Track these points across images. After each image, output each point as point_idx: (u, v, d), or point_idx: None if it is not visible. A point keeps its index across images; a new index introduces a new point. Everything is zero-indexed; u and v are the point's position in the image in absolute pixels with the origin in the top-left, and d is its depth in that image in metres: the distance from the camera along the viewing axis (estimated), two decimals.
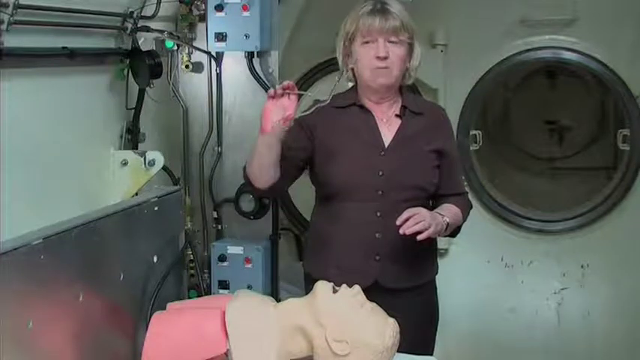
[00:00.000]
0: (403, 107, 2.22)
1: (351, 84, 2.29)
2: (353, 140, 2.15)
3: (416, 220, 1.99)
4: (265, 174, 2.13)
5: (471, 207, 2.35)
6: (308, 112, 2.06)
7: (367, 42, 2.13)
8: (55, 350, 1.64)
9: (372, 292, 1.97)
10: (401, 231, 1.98)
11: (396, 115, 2.22)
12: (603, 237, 3.85)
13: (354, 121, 2.20)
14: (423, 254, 2.22)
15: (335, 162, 2.16)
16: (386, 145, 2.18)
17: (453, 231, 2.23)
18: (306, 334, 1.73)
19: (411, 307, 2.18)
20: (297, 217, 3.88)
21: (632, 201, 3.81)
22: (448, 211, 2.16)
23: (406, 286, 2.20)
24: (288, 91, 1.97)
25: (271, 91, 1.98)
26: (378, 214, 2.15)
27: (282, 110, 1.98)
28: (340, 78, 2.15)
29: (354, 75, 2.23)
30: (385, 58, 2.11)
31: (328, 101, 2.04)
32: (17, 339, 1.49)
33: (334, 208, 2.20)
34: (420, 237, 1.99)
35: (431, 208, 2.19)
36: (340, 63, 2.25)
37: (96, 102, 2.40)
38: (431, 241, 2.22)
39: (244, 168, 2.23)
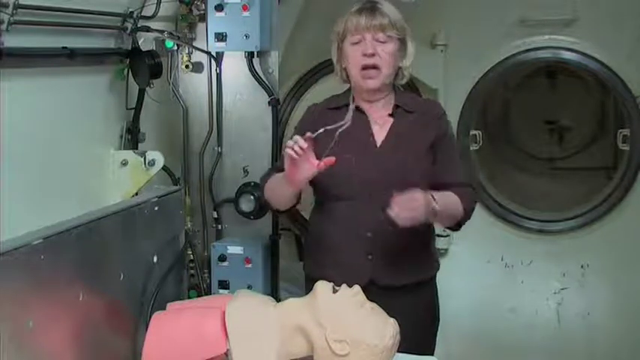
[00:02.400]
0: (396, 106, 2.23)
1: (346, 85, 2.29)
2: (346, 140, 2.13)
3: (408, 211, 1.95)
4: (289, 205, 2.22)
5: (476, 201, 2.28)
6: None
7: (356, 42, 2.13)
8: (55, 350, 1.65)
9: (369, 291, 1.97)
10: (390, 213, 1.95)
11: (389, 115, 2.22)
12: (603, 237, 3.85)
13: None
14: (417, 251, 2.22)
15: None
16: (378, 144, 2.18)
17: (455, 224, 2.21)
18: (306, 334, 1.73)
19: (411, 306, 2.18)
20: (297, 217, 3.88)
21: (632, 201, 3.80)
22: (442, 198, 2.07)
23: (402, 284, 2.19)
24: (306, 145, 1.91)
25: (292, 153, 1.91)
26: (371, 213, 2.15)
27: (306, 160, 1.94)
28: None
29: (347, 76, 2.23)
30: (372, 55, 2.11)
31: (348, 123, 2.00)
32: (17, 339, 1.49)
33: (329, 208, 2.21)
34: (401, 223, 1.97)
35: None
36: (335, 64, 2.25)
37: (96, 102, 2.40)
38: (426, 238, 2.25)
39: (263, 188, 2.27)
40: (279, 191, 2.15)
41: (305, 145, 1.91)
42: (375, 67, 2.13)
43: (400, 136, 2.19)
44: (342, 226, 2.18)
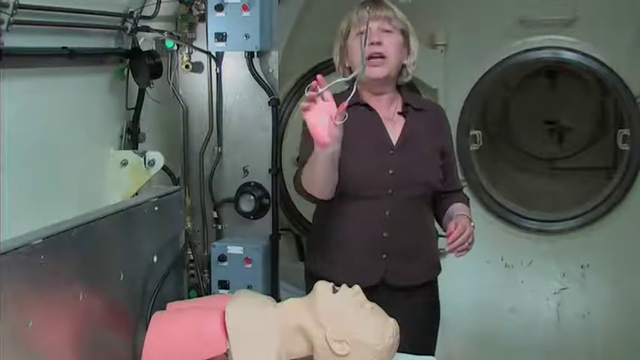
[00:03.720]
0: (405, 104, 2.23)
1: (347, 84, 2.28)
2: (361, 139, 2.12)
3: (464, 240, 2.04)
4: (332, 184, 2.06)
5: (469, 200, 2.39)
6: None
7: (361, 33, 2.12)
8: (55, 350, 1.65)
9: (379, 291, 1.97)
10: (448, 248, 2.04)
11: (399, 113, 2.22)
12: (603, 237, 3.85)
13: (359, 120, 2.14)
14: (427, 252, 2.24)
15: (345, 161, 2.06)
16: (394, 143, 2.18)
17: None
18: (306, 334, 1.73)
19: (417, 305, 2.20)
20: (297, 217, 3.88)
21: (632, 201, 3.80)
22: (469, 213, 2.21)
23: (412, 284, 2.20)
24: (318, 89, 1.78)
25: (304, 105, 1.80)
26: (387, 212, 2.15)
27: (325, 113, 1.81)
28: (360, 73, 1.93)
29: (351, 73, 2.22)
30: (379, 43, 2.11)
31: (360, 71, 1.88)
32: (17, 339, 1.49)
33: (342, 207, 2.18)
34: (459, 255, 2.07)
35: (433, 206, 2.27)
36: (337, 64, 2.25)
37: (96, 102, 2.40)
38: (434, 239, 2.25)
39: (298, 185, 2.16)
40: (317, 169, 2.00)
41: (314, 85, 1.78)
42: (381, 55, 2.12)
43: (415, 135, 2.20)
44: (357, 225, 2.17)
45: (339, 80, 1.83)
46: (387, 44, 2.12)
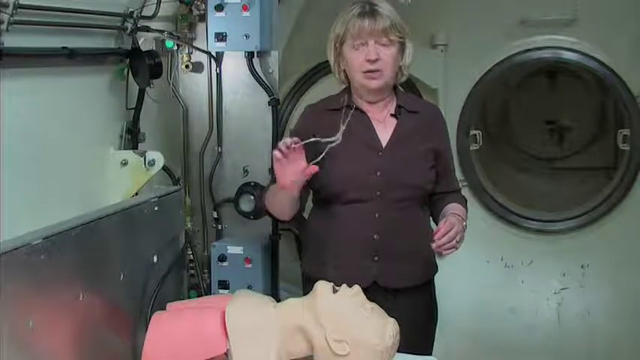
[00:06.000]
0: (398, 106, 2.22)
1: (343, 85, 2.28)
2: (349, 142, 2.13)
3: (450, 238, 2.02)
4: (290, 214, 2.22)
5: (466, 201, 2.37)
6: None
7: (358, 46, 2.12)
8: (56, 350, 1.65)
9: (372, 293, 1.97)
10: (434, 246, 2.02)
11: (392, 115, 2.22)
12: (603, 237, 3.85)
13: (349, 123, 2.16)
14: (421, 253, 2.23)
15: (332, 164, 2.10)
16: (383, 145, 2.18)
17: None
18: (306, 334, 1.73)
19: (411, 307, 2.19)
20: (297, 217, 3.87)
21: (632, 201, 3.80)
22: (462, 213, 2.20)
23: (405, 286, 2.20)
24: (293, 146, 1.93)
25: (277, 153, 1.93)
26: (377, 214, 2.15)
27: (294, 163, 1.95)
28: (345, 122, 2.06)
29: (346, 77, 2.22)
30: (376, 60, 2.11)
31: (338, 141, 1.99)
32: (17, 339, 1.49)
33: (332, 210, 2.20)
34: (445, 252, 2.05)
35: (429, 206, 2.25)
36: (332, 65, 2.25)
37: (96, 102, 2.40)
38: (427, 240, 2.25)
39: (264, 203, 2.29)
40: (276, 199, 2.16)
41: (289, 143, 1.91)
42: (377, 70, 2.12)
43: (405, 136, 2.19)
44: (347, 228, 2.17)
45: (313, 140, 1.98)
46: (383, 57, 2.11)
